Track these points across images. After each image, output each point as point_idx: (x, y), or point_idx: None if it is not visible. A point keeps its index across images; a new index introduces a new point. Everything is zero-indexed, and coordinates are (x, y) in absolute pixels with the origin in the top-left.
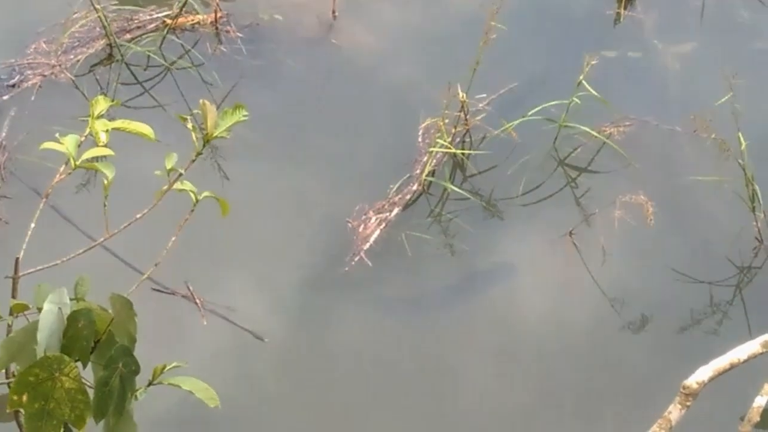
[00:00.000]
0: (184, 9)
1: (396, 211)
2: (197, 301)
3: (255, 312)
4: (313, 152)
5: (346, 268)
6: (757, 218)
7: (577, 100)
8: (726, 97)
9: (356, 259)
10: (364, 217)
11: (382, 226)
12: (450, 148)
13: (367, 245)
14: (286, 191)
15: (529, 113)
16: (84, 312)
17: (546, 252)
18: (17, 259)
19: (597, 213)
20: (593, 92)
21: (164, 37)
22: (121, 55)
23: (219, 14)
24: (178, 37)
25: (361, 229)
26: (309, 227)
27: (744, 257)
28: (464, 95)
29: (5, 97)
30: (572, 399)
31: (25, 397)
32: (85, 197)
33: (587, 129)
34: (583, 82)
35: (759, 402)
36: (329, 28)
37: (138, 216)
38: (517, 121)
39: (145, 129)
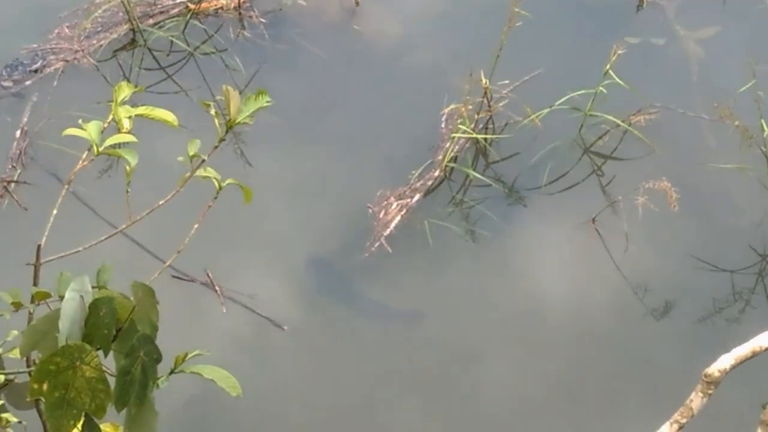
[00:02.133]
0: None
1: (417, 197)
2: (217, 288)
3: (275, 299)
4: (335, 138)
5: (366, 254)
6: None
7: (603, 90)
8: (749, 84)
9: (377, 245)
10: (385, 203)
11: (403, 212)
12: (472, 134)
13: (388, 231)
14: (308, 177)
15: (556, 103)
16: (106, 300)
17: (569, 239)
18: (39, 246)
19: (621, 200)
20: (620, 81)
21: (187, 23)
22: (144, 41)
23: None
24: (201, 23)
25: (382, 215)
26: (330, 213)
27: (767, 245)
28: (487, 81)
29: (28, 83)
30: (594, 385)
31: (45, 386)
32: (106, 183)
33: (612, 118)
34: (610, 71)
35: None
36: (352, 14)
37: (160, 203)
38: (545, 111)
39: (168, 116)
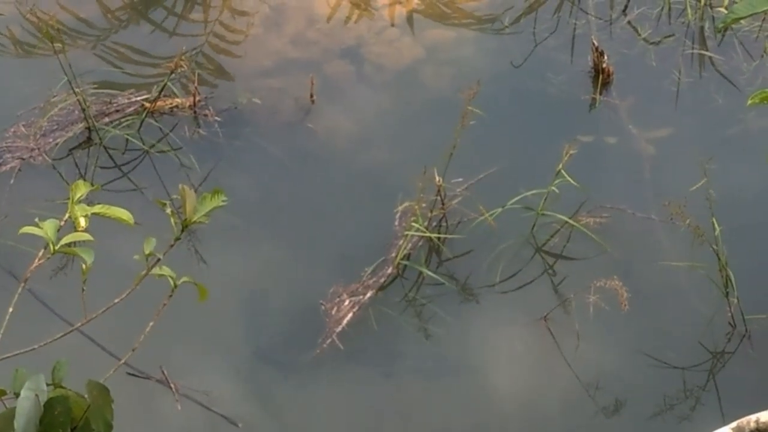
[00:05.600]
0: (162, 93)
1: (370, 294)
2: (171, 385)
3: (229, 396)
4: (290, 235)
5: (318, 351)
6: (730, 303)
7: (555, 189)
8: (700, 183)
9: (328, 341)
10: (337, 299)
11: (355, 309)
12: (425, 232)
13: (340, 328)
14: (262, 274)
15: (509, 203)
16: (61, 399)
17: (521, 337)
18: None
19: (571, 298)
20: (572, 181)
21: (143, 121)
22: (100, 139)
23: (197, 98)
24: (156, 121)
25: (334, 312)
26: (283, 309)
27: (717, 342)
28: (441, 179)
29: None
30: None
31: None
32: (62, 281)
33: (564, 217)
34: (563, 171)
35: None
36: (307, 111)
37: (116, 301)
38: (498, 211)
39: (123, 214)
